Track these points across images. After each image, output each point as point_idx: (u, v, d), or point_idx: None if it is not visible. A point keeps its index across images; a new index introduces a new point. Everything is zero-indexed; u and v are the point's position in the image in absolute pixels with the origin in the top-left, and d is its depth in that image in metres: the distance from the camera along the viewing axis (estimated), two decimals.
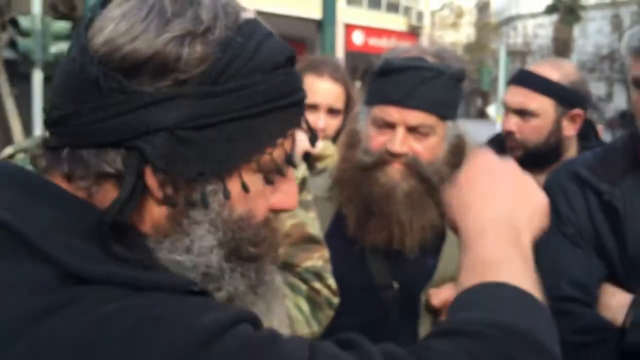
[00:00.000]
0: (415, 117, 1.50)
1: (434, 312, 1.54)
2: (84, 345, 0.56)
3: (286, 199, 0.76)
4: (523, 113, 1.89)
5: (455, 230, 0.87)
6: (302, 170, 1.42)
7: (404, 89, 1.48)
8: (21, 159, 1.23)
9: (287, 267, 1.36)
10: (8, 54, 10.50)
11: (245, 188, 0.69)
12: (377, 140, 1.55)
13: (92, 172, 0.67)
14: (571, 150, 1.98)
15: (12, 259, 0.62)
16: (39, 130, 9.28)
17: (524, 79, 1.92)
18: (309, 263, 1.38)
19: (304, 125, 0.75)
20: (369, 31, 17.24)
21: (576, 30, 28.83)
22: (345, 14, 13.47)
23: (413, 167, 1.52)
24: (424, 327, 1.53)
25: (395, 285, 1.56)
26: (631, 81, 1.43)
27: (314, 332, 1.37)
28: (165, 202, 0.67)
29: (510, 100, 1.92)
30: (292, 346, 0.63)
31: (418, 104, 1.49)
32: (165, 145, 0.65)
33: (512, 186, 0.86)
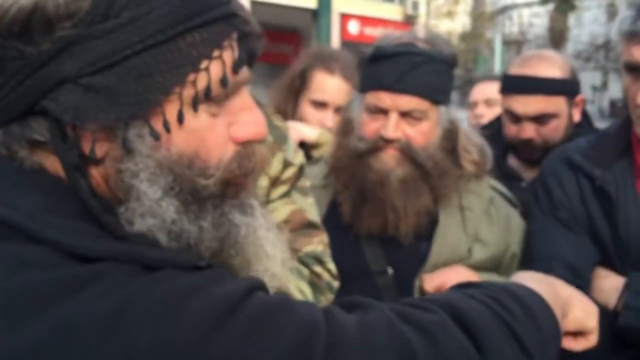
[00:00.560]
0: (408, 102, 1.50)
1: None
2: (113, 320, 0.56)
3: (247, 128, 0.70)
4: (541, 118, 1.87)
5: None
6: (299, 157, 1.43)
7: (396, 74, 1.48)
8: None
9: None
10: None
11: (166, 126, 0.64)
12: (370, 126, 1.55)
13: (24, 144, 0.65)
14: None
15: (10, 243, 0.61)
16: None
17: (532, 86, 1.87)
18: (309, 248, 1.39)
19: (233, 43, 0.68)
20: (365, 20, 17.18)
21: (571, 20, 28.79)
22: (340, 3, 13.42)
23: (407, 152, 1.53)
24: None
25: (390, 270, 1.57)
26: (623, 66, 1.43)
27: None
28: (90, 157, 0.64)
29: (524, 109, 1.87)
30: (308, 308, 0.65)
31: (410, 88, 1.49)
32: (71, 97, 0.62)
33: None
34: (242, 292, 0.61)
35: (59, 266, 0.59)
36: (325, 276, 1.40)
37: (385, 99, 1.51)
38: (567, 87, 1.90)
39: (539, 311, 0.78)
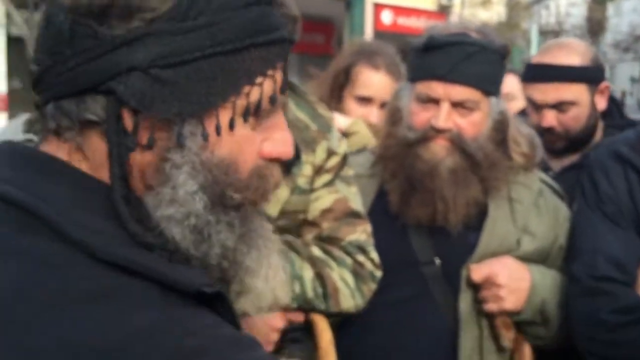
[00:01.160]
0: (460, 92, 1.50)
1: (474, 287, 1.55)
2: (114, 355, 0.57)
3: (278, 146, 0.73)
4: (560, 106, 1.86)
5: None
6: (343, 146, 1.44)
7: (449, 64, 1.48)
8: None
9: (331, 240, 1.39)
10: None
11: (217, 130, 0.67)
12: (420, 116, 1.55)
13: (75, 122, 0.67)
14: (599, 126, 1.96)
15: (35, 237, 0.62)
16: None
17: (549, 73, 1.87)
18: (352, 237, 1.40)
19: (284, 65, 0.72)
20: (398, 10, 17.02)
21: (610, 9, 28.12)
22: None
23: (457, 142, 1.52)
24: (465, 302, 1.54)
25: (437, 261, 1.57)
26: None
27: (357, 305, 1.40)
28: (145, 144, 0.66)
29: (543, 97, 1.86)
30: None
31: (463, 78, 1.49)
32: (139, 84, 0.64)
33: None
34: None
35: (78, 270, 0.60)
36: (368, 265, 1.40)
37: (437, 88, 1.51)
38: (587, 75, 1.88)
39: None
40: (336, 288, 1.36)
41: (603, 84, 1.92)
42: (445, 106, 1.51)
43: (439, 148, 1.53)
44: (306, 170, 1.36)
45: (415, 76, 1.57)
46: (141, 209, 0.67)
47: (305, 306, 1.35)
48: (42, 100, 0.69)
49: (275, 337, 1.33)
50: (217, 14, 0.66)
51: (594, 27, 26.18)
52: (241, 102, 0.68)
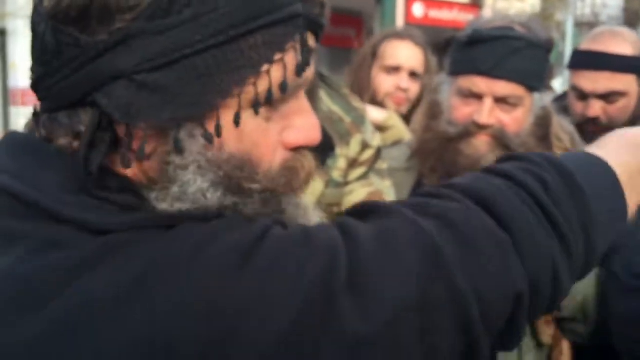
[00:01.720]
0: (504, 87, 1.49)
1: None
2: (134, 288, 0.56)
3: (302, 133, 0.68)
4: (609, 96, 1.82)
5: None
6: (377, 139, 1.43)
7: (493, 58, 1.47)
8: None
9: None
10: None
11: (217, 131, 0.62)
12: (462, 111, 1.54)
13: (69, 134, 0.64)
14: None
15: (28, 222, 0.61)
16: None
17: (601, 62, 1.82)
18: None
19: (297, 45, 0.64)
20: (430, 3, 16.85)
21: None
22: None
23: (500, 138, 1.51)
24: None
25: None
26: None
27: None
28: (138, 155, 0.62)
29: (593, 86, 1.82)
30: (325, 232, 0.62)
31: (507, 74, 1.48)
32: (125, 94, 0.59)
33: None
34: (257, 233, 0.59)
35: (83, 243, 0.59)
36: None
37: (480, 84, 1.50)
38: (638, 65, 1.83)
39: (596, 188, 0.70)
40: None
41: None
42: (488, 102, 1.50)
43: (481, 143, 1.52)
44: (340, 163, 1.36)
45: (458, 70, 1.56)
46: (123, 187, 0.64)
47: None
48: (38, 109, 0.67)
49: None
50: (204, 3, 0.59)
51: (631, 19, 25.52)
52: (247, 95, 0.63)
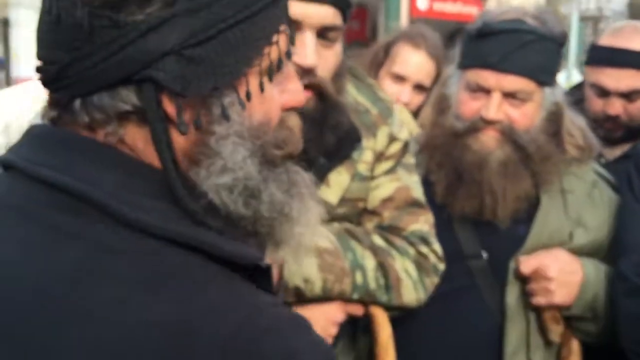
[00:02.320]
0: (513, 82, 1.46)
1: (522, 280, 1.51)
2: (177, 330, 0.58)
3: (293, 96, 0.76)
4: (631, 94, 1.76)
5: None
6: (404, 133, 1.38)
7: (502, 52, 1.44)
8: None
9: (393, 230, 1.33)
10: None
11: (248, 96, 0.69)
12: (470, 105, 1.51)
13: (112, 115, 0.66)
14: None
15: (88, 221, 0.63)
16: None
17: (624, 59, 1.76)
18: (414, 227, 1.34)
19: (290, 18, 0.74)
20: None
21: None
22: None
23: (508, 134, 1.48)
24: (512, 296, 1.51)
25: (484, 254, 1.54)
26: None
27: (420, 299, 1.34)
28: (191, 125, 0.66)
29: (616, 84, 1.77)
30: None
31: (516, 68, 1.44)
32: (176, 68, 0.64)
33: None
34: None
35: (136, 252, 0.62)
36: (431, 257, 1.35)
37: (488, 78, 1.47)
38: None
39: None
40: (399, 279, 1.30)
41: None
42: (496, 96, 1.47)
43: (488, 139, 1.49)
44: (367, 156, 1.31)
45: (466, 63, 1.53)
46: (190, 186, 0.67)
47: (366, 298, 1.28)
48: (64, 98, 0.67)
49: (333, 330, 1.28)
50: None
51: (636, 13, 25.36)
52: (264, 64, 0.70)
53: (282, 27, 0.71)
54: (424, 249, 1.35)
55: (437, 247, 1.37)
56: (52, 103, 0.70)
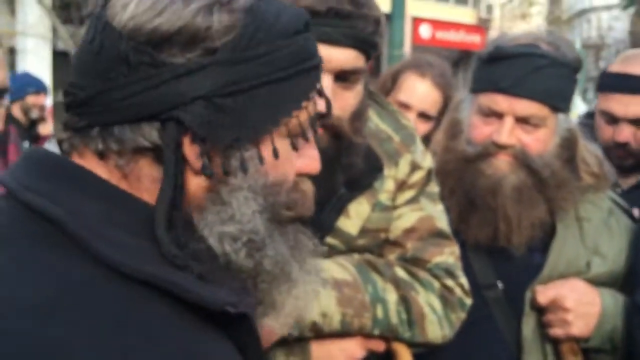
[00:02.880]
0: (526, 107, 1.43)
1: (539, 311, 1.47)
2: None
3: (310, 162, 0.76)
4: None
5: None
6: (428, 161, 1.34)
7: (515, 76, 1.41)
8: None
9: (416, 262, 1.27)
10: None
11: (275, 153, 0.70)
12: (481, 130, 1.48)
13: (127, 148, 0.67)
14: None
15: (61, 254, 0.62)
16: None
17: (633, 85, 1.73)
18: (439, 259, 1.28)
19: (320, 89, 0.75)
20: (437, 24, 16.92)
21: None
22: (412, 6, 13.27)
23: (521, 159, 1.45)
24: (528, 327, 1.46)
25: (500, 284, 1.49)
26: None
27: (445, 336, 1.27)
28: (204, 171, 0.67)
29: (625, 110, 1.73)
30: None
31: (529, 93, 1.42)
32: (204, 113, 0.66)
33: None
34: None
35: (96, 288, 0.60)
36: (458, 291, 1.28)
37: (501, 102, 1.44)
38: None
39: None
40: (423, 314, 1.23)
41: None
42: (508, 121, 1.44)
43: (502, 163, 1.46)
44: (388, 185, 1.26)
45: (478, 87, 1.50)
46: (182, 230, 0.67)
47: (387, 333, 1.22)
48: (83, 123, 0.68)
49: None
50: (274, 42, 0.69)
51: (637, 41, 25.56)
52: (291, 126, 0.72)
53: (312, 94, 0.73)
54: (449, 282, 1.28)
55: (463, 280, 1.30)
56: (67, 126, 0.70)
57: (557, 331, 1.44)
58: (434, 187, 1.35)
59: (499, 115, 1.45)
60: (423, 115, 2.12)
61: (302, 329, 1.15)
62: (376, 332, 1.21)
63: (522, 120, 1.44)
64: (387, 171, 1.27)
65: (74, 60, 0.70)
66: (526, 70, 1.41)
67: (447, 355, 1.46)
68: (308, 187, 0.77)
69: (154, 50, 0.65)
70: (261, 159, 0.69)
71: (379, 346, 1.24)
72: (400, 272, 1.25)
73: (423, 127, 2.10)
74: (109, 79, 0.66)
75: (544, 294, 1.44)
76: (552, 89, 1.43)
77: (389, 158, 1.28)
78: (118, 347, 0.57)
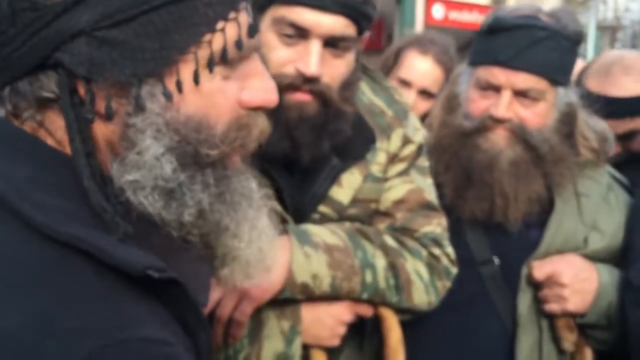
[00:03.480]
0: (524, 80, 1.40)
1: (535, 286, 1.46)
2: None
3: (258, 94, 0.69)
4: (630, 135, 1.67)
5: None
6: (420, 135, 1.36)
7: (514, 48, 1.38)
8: None
9: (405, 231, 1.30)
10: None
11: (179, 86, 0.63)
12: (479, 103, 1.46)
13: (32, 102, 0.63)
14: None
15: None
16: None
17: (617, 110, 1.63)
18: (427, 229, 1.31)
19: (248, 7, 0.68)
20: (450, 4, 16.69)
21: None
22: None
23: (519, 133, 1.43)
24: (524, 303, 1.45)
25: (496, 260, 1.48)
26: None
27: (431, 302, 1.30)
28: (104, 113, 0.62)
29: (613, 130, 1.60)
30: None
31: (528, 65, 1.39)
32: (86, 50, 0.60)
33: None
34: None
35: (20, 250, 0.58)
36: (444, 260, 1.31)
37: (498, 75, 1.42)
38: None
39: None
40: (410, 280, 1.26)
41: None
42: (506, 95, 1.42)
43: (499, 138, 1.44)
44: (380, 157, 1.29)
45: (476, 60, 1.48)
46: (108, 183, 0.64)
47: (375, 298, 1.25)
48: (2, 83, 0.65)
49: (341, 330, 1.24)
50: None
51: None
52: (203, 52, 0.64)
53: (233, 15, 0.65)
54: (436, 251, 1.30)
55: (449, 250, 1.33)
56: None
57: (553, 307, 1.43)
58: (424, 161, 1.37)
59: (496, 89, 1.43)
60: (424, 93, 2.09)
61: (293, 290, 1.17)
62: (364, 296, 1.24)
63: (521, 94, 1.42)
64: (380, 144, 1.29)
65: None
66: (525, 43, 1.38)
67: (443, 331, 1.46)
68: (259, 122, 0.70)
69: None
70: (167, 93, 0.62)
71: (367, 311, 1.27)
72: (389, 240, 1.28)
73: (424, 105, 2.08)
74: (2, 33, 0.62)
75: (540, 269, 1.43)
76: (551, 62, 1.40)
77: (381, 131, 1.30)
78: (30, 306, 0.56)
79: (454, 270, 1.32)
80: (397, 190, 1.30)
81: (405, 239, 1.29)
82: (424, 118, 1.99)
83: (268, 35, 1.14)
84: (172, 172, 0.64)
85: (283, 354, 1.18)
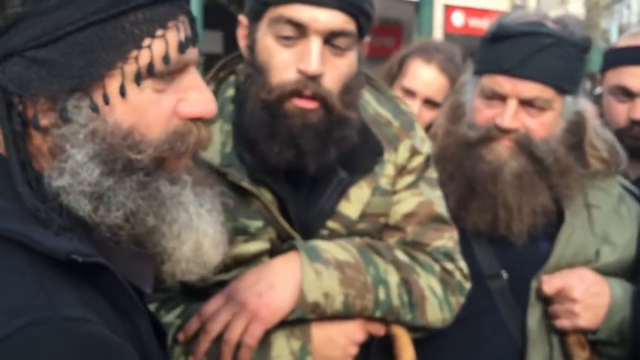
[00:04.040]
0: (530, 89, 1.36)
1: (545, 301, 1.41)
2: None
3: (195, 106, 0.75)
4: None
5: None
6: (427, 147, 1.32)
7: (519, 56, 1.34)
8: None
9: (416, 246, 1.26)
10: None
11: (106, 99, 0.69)
12: (484, 113, 1.42)
13: None
14: None
15: None
16: None
17: None
18: (439, 243, 1.27)
19: (179, 25, 0.73)
20: (470, 11, 16.61)
21: None
22: None
23: (524, 144, 1.38)
24: (533, 318, 1.41)
25: (504, 274, 1.44)
26: None
27: (445, 319, 1.25)
28: (33, 125, 0.69)
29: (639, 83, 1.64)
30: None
31: (533, 73, 1.35)
32: (17, 68, 0.68)
33: None
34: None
35: None
36: (457, 275, 1.26)
37: (504, 84, 1.38)
38: None
39: None
40: (423, 296, 1.21)
41: None
42: (512, 104, 1.38)
43: (503, 149, 1.40)
44: (388, 169, 1.26)
45: (481, 69, 1.44)
46: (45, 186, 0.70)
47: (389, 316, 1.20)
48: None
49: (353, 350, 1.19)
50: None
51: None
52: (130, 67, 0.70)
53: (161, 32, 0.71)
54: (449, 265, 1.26)
55: (462, 264, 1.29)
56: None
57: (563, 322, 1.38)
58: (433, 173, 1.33)
59: (502, 98, 1.39)
60: (429, 102, 2.05)
61: (304, 310, 1.12)
62: (378, 314, 1.19)
63: (527, 103, 1.38)
64: (387, 156, 1.26)
65: None
66: (531, 50, 1.34)
67: (451, 346, 1.42)
68: (196, 131, 0.75)
69: None
70: (94, 106, 0.69)
71: (379, 329, 1.22)
72: (401, 255, 1.24)
73: (429, 115, 2.04)
74: None
75: (550, 283, 1.39)
76: (558, 70, 1.36)
77: (388, 143, 1.27)
78: None
79: (468, 285, 1.28)
80: (406, 203, 1.27)
81: (417, 254, 1.25)
82: (428, 128, 1.95)
83: (267, 40, 1.11)
84: (98, 177, 0.70)
85: None
